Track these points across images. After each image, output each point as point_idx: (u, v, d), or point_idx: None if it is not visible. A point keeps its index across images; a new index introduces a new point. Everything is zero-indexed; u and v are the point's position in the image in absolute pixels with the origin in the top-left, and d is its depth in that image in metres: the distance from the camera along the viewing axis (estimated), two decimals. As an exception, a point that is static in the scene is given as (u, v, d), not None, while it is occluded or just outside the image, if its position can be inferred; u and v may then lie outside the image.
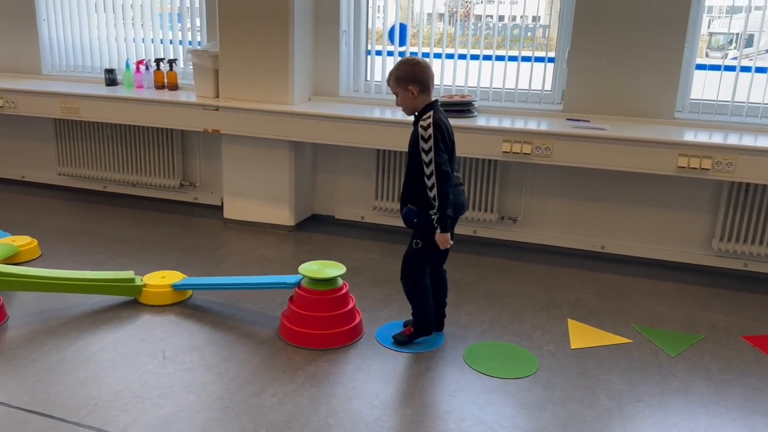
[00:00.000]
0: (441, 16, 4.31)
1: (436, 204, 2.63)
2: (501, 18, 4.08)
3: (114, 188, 4.96)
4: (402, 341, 2.87)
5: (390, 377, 2.64)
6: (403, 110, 2.76)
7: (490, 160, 4.00)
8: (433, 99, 2.71)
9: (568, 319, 3.17)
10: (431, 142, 2.59)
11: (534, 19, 4.06)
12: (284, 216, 4.36)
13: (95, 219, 4.44)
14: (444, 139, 2.64)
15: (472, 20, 4.17)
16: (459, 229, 4.19)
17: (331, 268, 2.93)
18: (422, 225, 2.72)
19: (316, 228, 4.43)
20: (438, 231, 2.68)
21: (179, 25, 4.66)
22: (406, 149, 2.73)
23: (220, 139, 4.38)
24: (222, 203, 4.70)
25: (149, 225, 4.36)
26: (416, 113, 2.71)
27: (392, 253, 3.96)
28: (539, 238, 4.11)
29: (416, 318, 2.89)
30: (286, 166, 4.26)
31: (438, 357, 2.79)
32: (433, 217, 2.66)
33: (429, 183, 2.62)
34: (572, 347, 2.91)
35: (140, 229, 4.26)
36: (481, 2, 4.14)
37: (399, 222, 4.33)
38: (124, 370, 2.61)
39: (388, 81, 2.74)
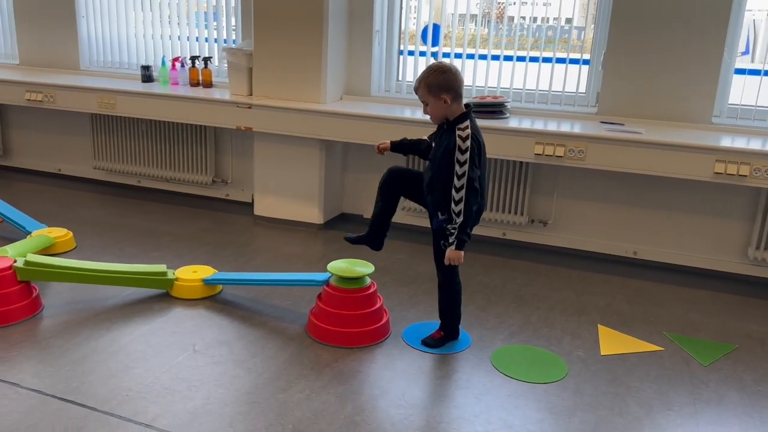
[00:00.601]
0: (474, 17, 4.30)
1: (459, 220, 2.54)
2: (534, 19, 4.05)
3: (147, 183, 5.04)
4: (431, 344, 2.86)
5: (416, 377, 2.64)
6: (432, 119, 2.65)
7: (521, 162, 3.96)
8: (465, 105, 2.62)
9: (599, 325, 3.13)
10: (467, 154, 2.50)
11: (569, 20, 4.02)
12: (313, 214, 4.38)
13: (129, 213, 4.52)
14: (480, 153, 2.56)
15: (506, 21, 4.13)
16: (488, 231, 4.22)
17: (359, 267, 2.94)
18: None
19: (344, 227, 4.44)
20: (452, 247, 2.58)
21: (215, 23, 4.72)
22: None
23: (252, 137, 4.42)
24: (252, 200, 4.74)
25: (181, 220, 4.42)
26: (447, 120, 2.61)
27: (419, 254, 3.96)
28: (570, 242, 4.06)
29: (446, 322, 2.88)
30: (317, 164, 4.28)
31: (465, 359, 2.78)
32: (451, 231, 2.56)
33: (457, 196, 2.52)
34: (602, 353, 2.87)
35: (172, 224, 4.32)
36: (514, 3, 4.11)
37: (427, 223, 4.34)
38: (154, 361, 2.65)
39: (416, 89, 2.62)
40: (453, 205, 2.54)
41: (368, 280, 2.92)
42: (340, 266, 2.93)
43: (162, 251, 3.84)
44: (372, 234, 2.88)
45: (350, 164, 4.54)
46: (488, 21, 4.14)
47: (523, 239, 4.15)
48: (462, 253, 2.61)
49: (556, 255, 4.03)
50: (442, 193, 2.58)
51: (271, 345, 2.83)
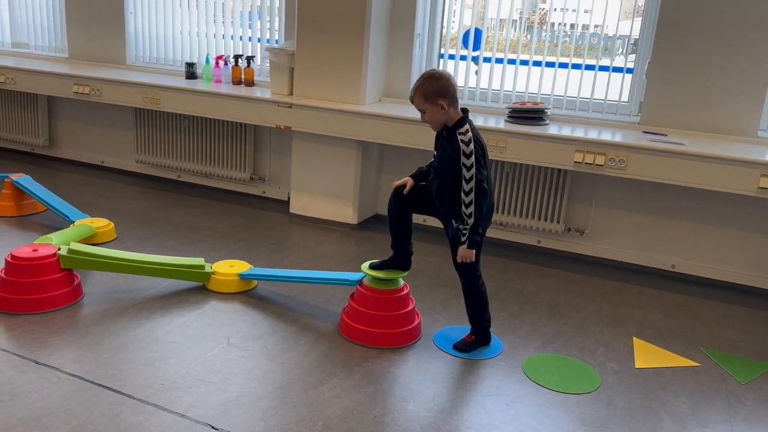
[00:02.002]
0: (515, 21, 4.28)
1: (471, 221, 2.58)
2: (572, 26, 4.01)
3: (187, 178, 5.13)
4: (463, 348, 2.86)
5: (447, 381, 2.64)
6: (431, 126, 2.66)
7: (558, 170, 3.93)
8: (462, 109, 2.62)
9: (634, 338, 3.08)
10: (473, 158, 2.52)
11: (612, 28, 3.96)
12: (348, 214, 4.41)
13: (168, 206, 4.61)
14: (484, 154, 2.58)
15: (548, 27, 4.10)
16: (522, 238, 4.19)
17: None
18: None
19: (377, 228, 4.46)
20: (464, 247, 2.63)
21: (258, 23, 4.79)
22: None
23: (290, 136, 4.47)
24: (288, 198, 4.80)
25: (218, 215, 4.49)
26: (447, 127, 2.61)
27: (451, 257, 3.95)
28: (606, 253, 4.01)
29: (476, 326, 2.88)
30: (353, 165, 4.31)
31: (496, 365, 2.77)
32: (463, 231, 2.61)
33: (467, 199, 2.55)
34: (637, 366, 2.83)
35: (210, 219, 4.39)
36: (556, 10, 4.07)
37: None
38: (190, 353, 2.70)
39: (412, 99, 2.63)
40: (464, 207, 2.57)
41: (401, 282, 2.93)
42: (375, 267, 2.94)
43: (199, 245, 3.91)
44: (397, 258, 2.91)
45: (386, 165, 4.55)
46: (530, 26, 4.12)
47: (559, 248, 4.11)
48: (473, 251, 2.66)
49: (591, 265, 3.98)
50: (452, 200, 2.60)
51: (304, 342, 2.86)
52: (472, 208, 2.56)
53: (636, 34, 3.90)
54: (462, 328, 3.00)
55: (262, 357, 2.71)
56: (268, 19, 4.74)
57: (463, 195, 2.55)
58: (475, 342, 2.87)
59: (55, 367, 2.52)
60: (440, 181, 2.66)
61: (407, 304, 2.93)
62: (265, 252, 3.87)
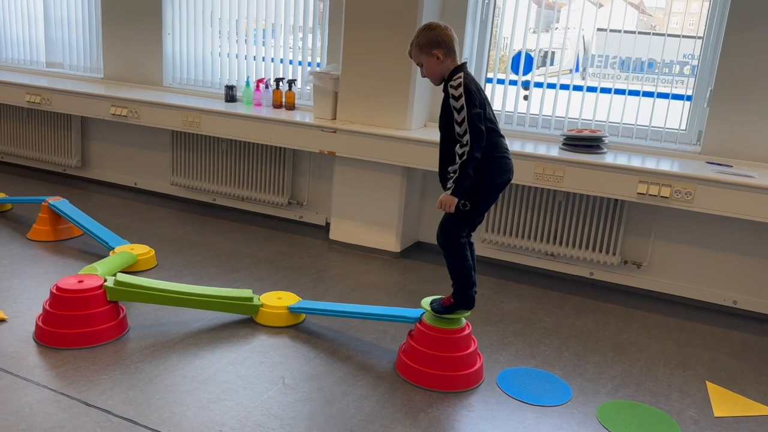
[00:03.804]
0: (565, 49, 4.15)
1: (460, 161, 2.45)
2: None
3: (222, 201, 5.03)
4: (440, 311, 2.71)
5: (519, 431, 2.48)
6: (431, 81, 2.62)
7: (615, 200, 3.78)
8: (461, 62, 2.57)
9: (707, 382, 2.91)
10: (463, 99, 2.43)
11: (672, 54, 3.83)
12: (390, 242, 4.27)
13: (206, 231, 4.50)
14: (479, 96, 2.47)
15: (603, 55, 3.97)
16: (574, 270, 4.03)
17: (455, 306, 2.80)
18: (470, 189, 2.54)
19: (421, 256, 4.32)
20: (448, 192, 2.50)
21: (300, 45, 4.70)
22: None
23: (330, 160, 4.36)
24: (326, 224, 4.68)
25: (258, 241, 4.37)
26: (444, 81, 2.56)
27: (503, 290, 3.81)
28: (664, 287, 3.84)
29: (458, 289, 2.70)
30: (397, 191, 4.18)
31: (568, 413, 2.60)
32: (451, 175, 2.48)
33: (463, 140, 2.44)
34: (716, 415, 2.66)
35: (249, 245, 4.27)
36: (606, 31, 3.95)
37: (509, 257, 4.21)
38: (245, 394, 2.56)
39: (410, 53, 2.62)
40: (457, 147, 2.46)
41: (463, 321, 2.79)
42: (435, 304, 2.80)
43: (241, 273, 3.79)
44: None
45: (428, 191, 4.42)
46: (584, 51, 3.99)
47: (614, 280, 3.94)
48: (456, 200, 2.51)
49: (649, 299, 3.81)
50: (450, 154, 2.51)
51: (362, 383, 2.71)
52: (465, 149, 2.44)
53: (694, 59, 3.76)
54: (528, 370, 2.85)
55: (319, 400, 2.57)
56: (301, 36, 4.64)
57: (458, 141, 2.46)
58: (453, 305, 2.70)
59: (106, 409, 2.39)
60: (441, 138, 2.59)
61: (469, 344, 2.78)
62: (309, 282, 3.74)
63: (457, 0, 4.05)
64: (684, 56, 3.81)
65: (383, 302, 3.54)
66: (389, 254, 4.27)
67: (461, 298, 2.70)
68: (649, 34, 3.85)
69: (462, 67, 2.55)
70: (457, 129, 2.45)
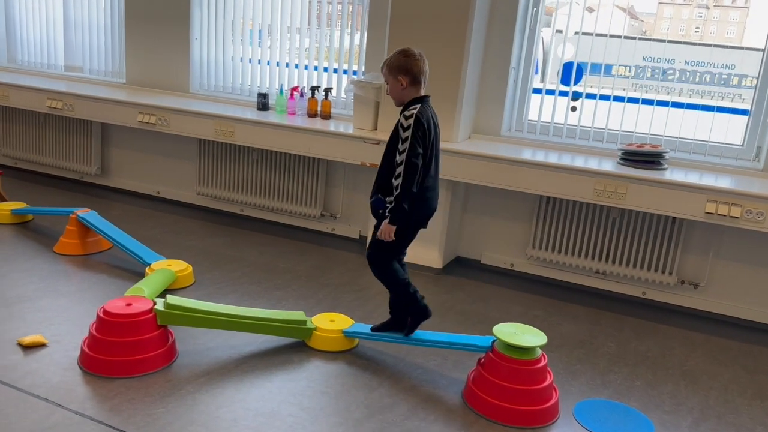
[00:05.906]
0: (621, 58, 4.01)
1: (396, 193, 2.60)
2: (692, 63, 3.75)
3: (249, 212, 4.85)
4: (411, 331, 2.87)
5: (606, 470, 2.33)
6: (393, 101, 2.71)
7: (673, 218, 3.64)
8: (424, 94, 2.67)
9: (790, 414, 2.78)
10: (409, 132, 2.56)
11: (729, 66, 3.70)
12: (432, 258, 4.12)
13: (238, 243, 4.32)
14: (425, 135, 2.59)
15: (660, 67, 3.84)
16: (626, 289, 3.89)
17: (530, 335, 2.65)
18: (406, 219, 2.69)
19: (462, 272, 4.17)
20: (386, 221, 2.65)
21: (337, 52, 4.53)
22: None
23: (366, 172, 4.20)
24: (360, 237, 4.52)
25: (292, 255, 4.20)
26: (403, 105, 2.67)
27: (557, 311, 3.67)
28: (723, 308, 3.71)
29: (405, 304, 2.86)
30: (441, 205, 4.00)
31: (656, 450, 2.46)
32: (387, 205, 2.65)
33: (396, 171, 2.59)
34: (807, 452, 2.53)
35: (286, 260, 4.10)
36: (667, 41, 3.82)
37: (555, 275, 4.06)
38: (314, 429, 2.39)
39: (382, 68, 2.72)
40: (393, 180, 2.61)
41: (539, 352, 2.63)
42: (508, 331, 2.65)
43: (283, 291, 3.62)
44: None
45: (470, 205, 4.28)
46: (640, 67, 3.86)
47: (669, 300, 3.81)
48: (393, 228, 2.66)
49: (707, 321, 3.68)
50: (388, 172, 2.65)
51: (433, 417, 2.55)
52: (400, 180, 2.58)
53: (752, 71, 3.63)
54: (603, 402, 2.71)
55: (392, 436, 2.41)
56: (336, 40, 4.48)
57: (396, 166, 2.59)
58: (414, 319, 2.87)
59: (170, 449, 2.22)
60: (384, 153, 2.71)
61: (546, 377, 2.62)
62: (354, 301, 3.58)
63: (506, 7, 3.91)
64: (742, 68, 3.68)
65: (435, 325, 3.37)
66: (431, 270, 4.12)
67: (417, 313, 2.86)
68: (710, 45, 3.71)
69: (422, 100, 2.65)
70: (397, 157, 2.60)
